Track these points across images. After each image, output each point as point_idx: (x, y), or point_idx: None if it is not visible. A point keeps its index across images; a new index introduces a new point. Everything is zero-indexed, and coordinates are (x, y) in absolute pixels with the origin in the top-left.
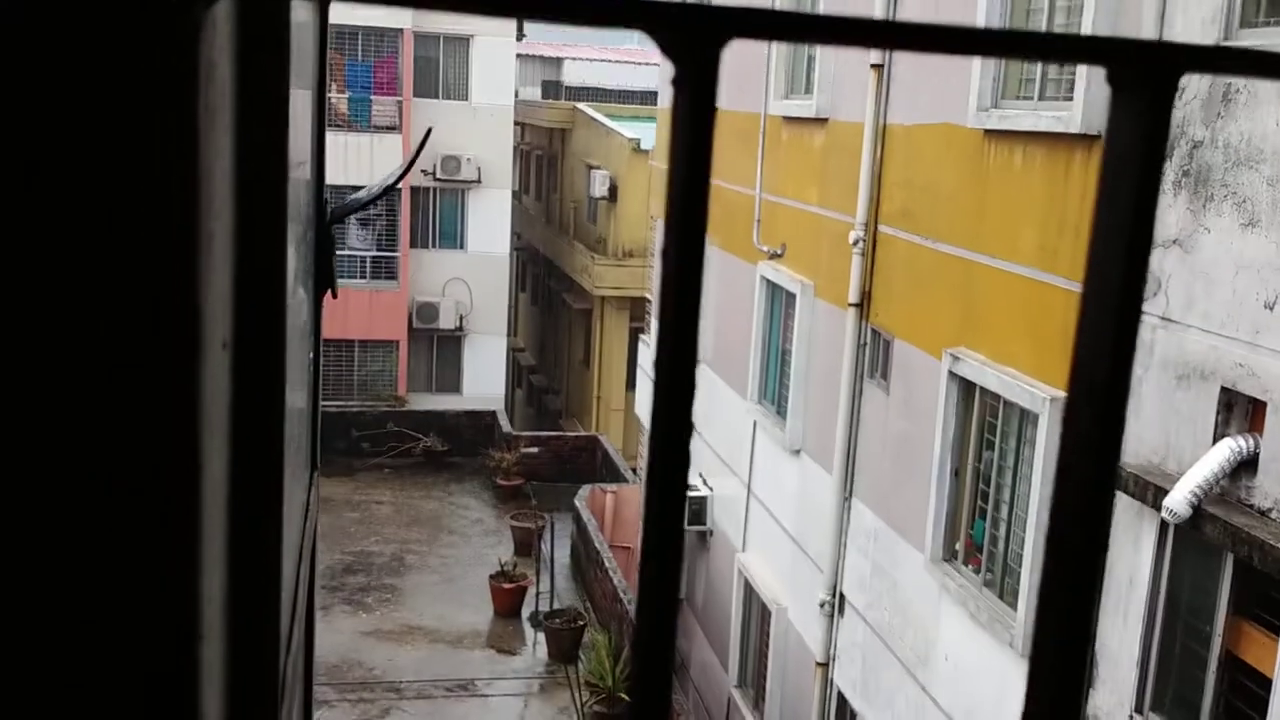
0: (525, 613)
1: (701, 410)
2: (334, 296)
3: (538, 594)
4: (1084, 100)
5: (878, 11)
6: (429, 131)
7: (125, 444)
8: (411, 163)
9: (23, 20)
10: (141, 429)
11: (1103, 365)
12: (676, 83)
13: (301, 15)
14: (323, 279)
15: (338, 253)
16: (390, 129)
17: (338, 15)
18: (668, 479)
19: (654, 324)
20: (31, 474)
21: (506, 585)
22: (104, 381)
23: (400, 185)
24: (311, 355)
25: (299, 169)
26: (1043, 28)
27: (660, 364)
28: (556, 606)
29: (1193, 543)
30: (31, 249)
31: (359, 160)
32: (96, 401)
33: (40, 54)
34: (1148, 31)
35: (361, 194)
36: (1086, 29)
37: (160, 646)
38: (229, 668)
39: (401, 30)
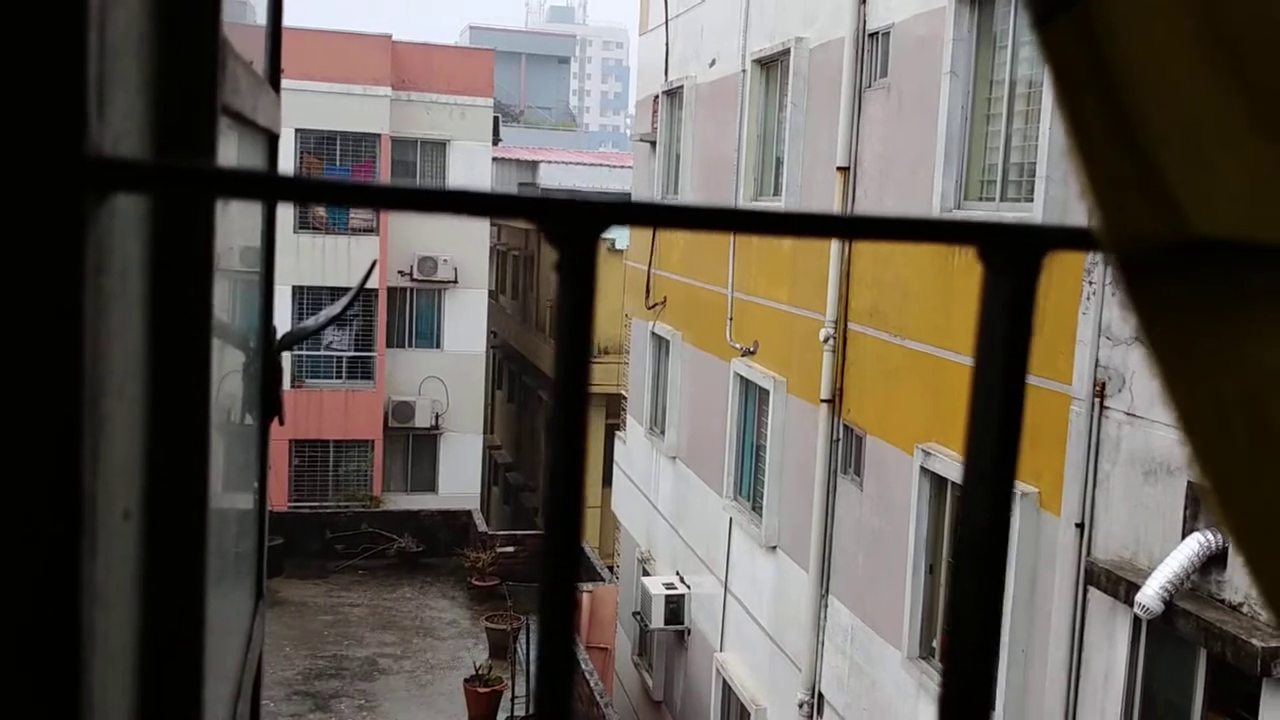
0: (501, 717)
1: (677, 507)
2: (281, 424)
3: (513, 698)
4: (1044, 200)
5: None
6: (374, 264)
7: None
8: (355, 296)
9: None
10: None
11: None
12: (558, 268)
13: (251, 148)
14: (269, 407)
15: (317, 353)
16: (367, 231)
17: (316, 121)
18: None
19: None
20: None
21: (481, 689)
22: None
23: (376, 286)
24: (258, 485)
25: (247, 300)
26: (1001, 132)
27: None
28: (533, 711)
29: (1166, 638)
30: None
31: (336, 261)
32: None
33: None
34: None
35: (309, 323)
36: (1044, 134)
37: None
38: None
39: (379, 135)
